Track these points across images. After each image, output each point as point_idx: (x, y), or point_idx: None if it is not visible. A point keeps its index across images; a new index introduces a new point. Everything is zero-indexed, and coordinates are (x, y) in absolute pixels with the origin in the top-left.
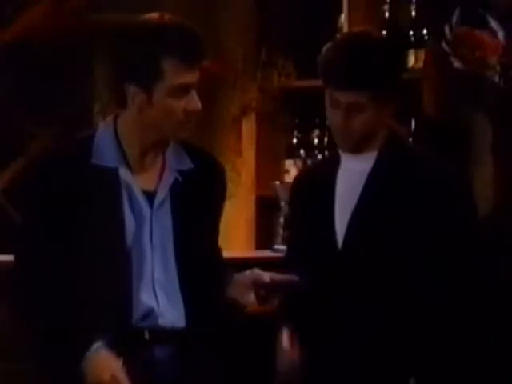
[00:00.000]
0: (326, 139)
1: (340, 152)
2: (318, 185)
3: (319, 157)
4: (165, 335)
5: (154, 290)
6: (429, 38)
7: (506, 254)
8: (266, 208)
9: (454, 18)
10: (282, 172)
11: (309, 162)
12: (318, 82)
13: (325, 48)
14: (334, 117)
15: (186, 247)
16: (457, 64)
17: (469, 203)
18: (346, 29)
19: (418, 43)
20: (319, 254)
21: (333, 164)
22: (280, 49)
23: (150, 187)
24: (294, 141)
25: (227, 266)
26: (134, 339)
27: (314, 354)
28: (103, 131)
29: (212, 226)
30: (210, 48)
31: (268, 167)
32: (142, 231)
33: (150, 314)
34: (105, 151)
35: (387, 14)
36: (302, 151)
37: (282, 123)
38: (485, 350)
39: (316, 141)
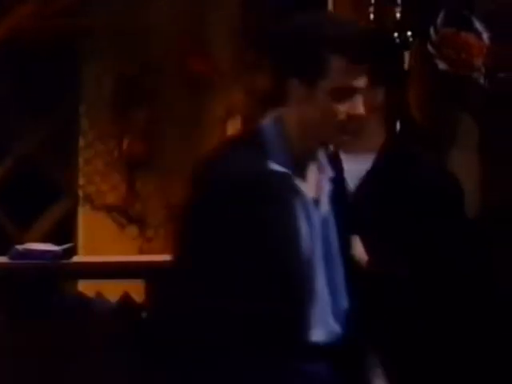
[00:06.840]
0: None
1: (340, 153)
2: None
3: None
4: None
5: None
6: (414, 40)
7: (492, 250)
8: None
9: (439, 20)
10: None
11: None
12: None
13: None
14: None
15: (347, 257)
16: (442, 66)
17: (461, 209)
18: None
19: (403, 45)
20: None
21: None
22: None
23: (312, 194)
24: None
25: None
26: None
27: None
28: (272, 132)
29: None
30: (198, 49)
31: None
32: (315, 243)
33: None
34: (277, 154)
35: (372, 16)
36: None
37: None
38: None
39: None
